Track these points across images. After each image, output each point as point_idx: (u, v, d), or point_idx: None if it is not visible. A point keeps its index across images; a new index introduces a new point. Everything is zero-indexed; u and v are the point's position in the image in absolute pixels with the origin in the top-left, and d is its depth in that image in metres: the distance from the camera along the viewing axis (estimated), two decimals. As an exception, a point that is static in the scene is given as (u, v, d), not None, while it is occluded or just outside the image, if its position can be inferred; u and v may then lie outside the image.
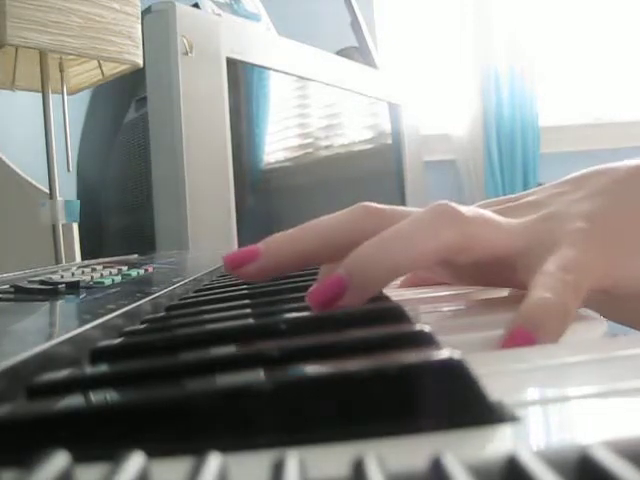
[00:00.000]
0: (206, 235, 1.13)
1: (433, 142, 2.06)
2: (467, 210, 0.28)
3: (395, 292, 0.38)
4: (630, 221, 0.29)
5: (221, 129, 1.17)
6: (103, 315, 0.27)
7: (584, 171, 0.32)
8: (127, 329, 0.27)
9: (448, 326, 0.28)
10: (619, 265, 0.28)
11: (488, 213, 0.30)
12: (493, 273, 0.31)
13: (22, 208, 1.10)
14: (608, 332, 0.26)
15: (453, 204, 0.28)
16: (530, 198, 0.32)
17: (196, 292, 0.41)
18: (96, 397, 0.17)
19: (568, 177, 0.33)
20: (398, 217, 0.29)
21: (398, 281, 0.41)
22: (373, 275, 0.26)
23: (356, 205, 0.31)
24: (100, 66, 1.06)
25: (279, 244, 0.30)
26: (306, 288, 0.34)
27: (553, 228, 0.28)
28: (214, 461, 0.11)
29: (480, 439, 0.13)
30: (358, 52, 1.77)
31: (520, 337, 0.23)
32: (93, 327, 0.25)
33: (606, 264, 0.27)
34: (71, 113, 1.08)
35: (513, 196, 0.34)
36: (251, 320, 0.26)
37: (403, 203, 1.64)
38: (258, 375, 0.17)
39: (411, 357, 0.15)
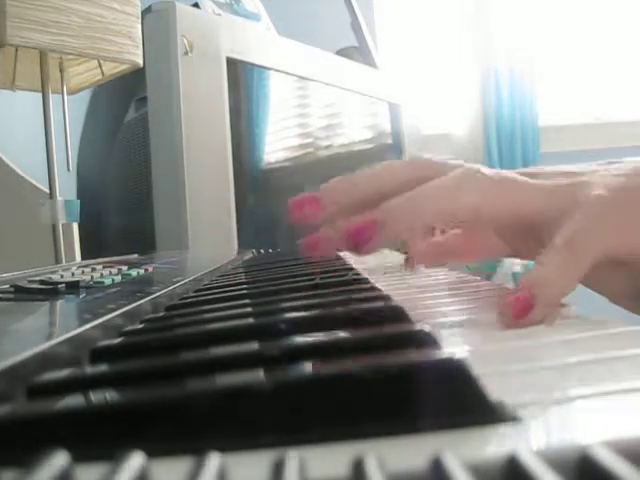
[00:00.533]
0: (206, 235, 1.13)
1: (433, 142, 2.05)
2: (493, 173, 0.31)
3: (396, 292, 0.38)
4: None
5: (221, 129, 1.17)
6: (103, 315, 0.27)
7: (626, 158, 0.34)
8: (127, 329, 0.27)
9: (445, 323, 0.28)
10: (634, 234, 0.29)
11: (513, 176, 0.32)
12: (517, 233, 0.34)
13: (22, 208, 1.09)
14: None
15: (481, 168, 0.31)
16: (566, 168, 0.34)
17: (196, 292, 0.41)
18: (96, 397, 0.17)
19: (623, 159, 0.34)
20: (446, 169, 0.32)
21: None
22: (400, 223, 0.31)
23: (414, 158, 0.36)
24: (100, 66, 1.06)
25: (337, 190, 0.35)
26: (306, 288, 0.34)
27: (576, 193, 0.30)
28: (214, 461, 0.11)
29: (480, 439, 0.13)
30: (358, 52, 1.77)
31: (519, 300, 0.26)
32: (93, 327, 0.25)
33: (620, 232, 0.29)
34: (71, 113, 1.08)
35: (554, 167, 0.36)
36: (251, 320, 0.26)
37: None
38: (258, 375, 0.17)
39: (411, 357, 0.15)
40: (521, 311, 0.26)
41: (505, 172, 0.32)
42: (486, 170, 0.31)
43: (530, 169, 0.36)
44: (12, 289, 0.39)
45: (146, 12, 1.10)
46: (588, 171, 0.33)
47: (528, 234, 0.33)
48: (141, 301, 0.32)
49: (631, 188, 0.30)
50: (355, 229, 0.31)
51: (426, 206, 0.31)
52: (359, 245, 0.31)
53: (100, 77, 1.09)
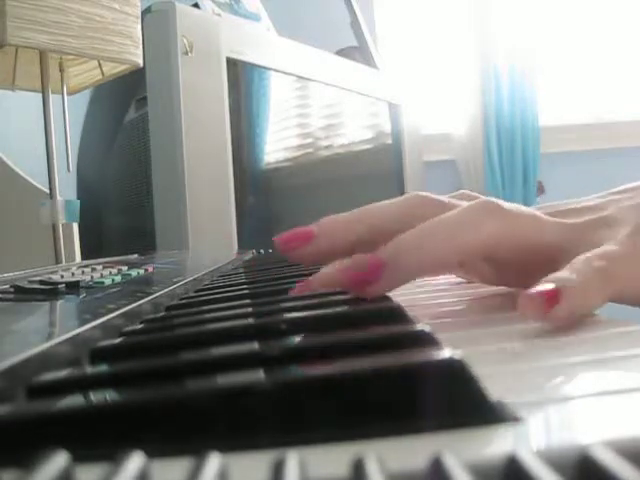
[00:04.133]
0: (206, 235, 1.13)
1: (433, 142, 2.05)
2: (510, 206, 0.29)
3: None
4: None
5: (221, 129, 1.17)
6: (103, 315, 0.27)
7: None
8: (127, 329, 0.27)
9: (449, 323, 0.28)
10: None
11: (531, 210, 0.30)
12: (536, 269, 0.29)
13: (22, 208, 1.09)
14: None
15: (498, 200, 0.29)
16: (588, 203, 0.32)
17: (196, 292, 0.41)
18: (96, 397, 0.17)
19: (629, 185, 0.33)
20: (449, 208, 0.29)
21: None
22: (411, 262, 0.27)
23: (410, 193, 0.32)
24: (100, 66, 1.06)
25: (332, 228, 0.31)
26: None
27: (601, 230, 0.29)
28: (214, 461, 0.11)
29: (480, 439, 0.13)
30: (358, 52, 1.77)
31: (544, 294, 0.23)
32: (93, 327, 0.25)
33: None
34: (71, 113, 1.08)
35: (575, 201, 0.34)
36: (251, 320, 0.26)
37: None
38: (258, 375, 0.17)
39: (412, 357, 0.15)
40: (547, 304, 0.23)
41: (523, 207, 0.30)
42: (504, 203, 0.29)
43: (551, 204, 0.34)
44: (12, 289, 0.39)
45: (146, 12, 1.10)
46: (606, 202, 0.31)
47: (536, 269, 0.29)
48: (141, 301, 0.32)
49: None
50: (354, 271, 0.27)
51: (440, 241, 0.27)
52: (362, 288, 0.27)
53: (100, 77, 1.09)
